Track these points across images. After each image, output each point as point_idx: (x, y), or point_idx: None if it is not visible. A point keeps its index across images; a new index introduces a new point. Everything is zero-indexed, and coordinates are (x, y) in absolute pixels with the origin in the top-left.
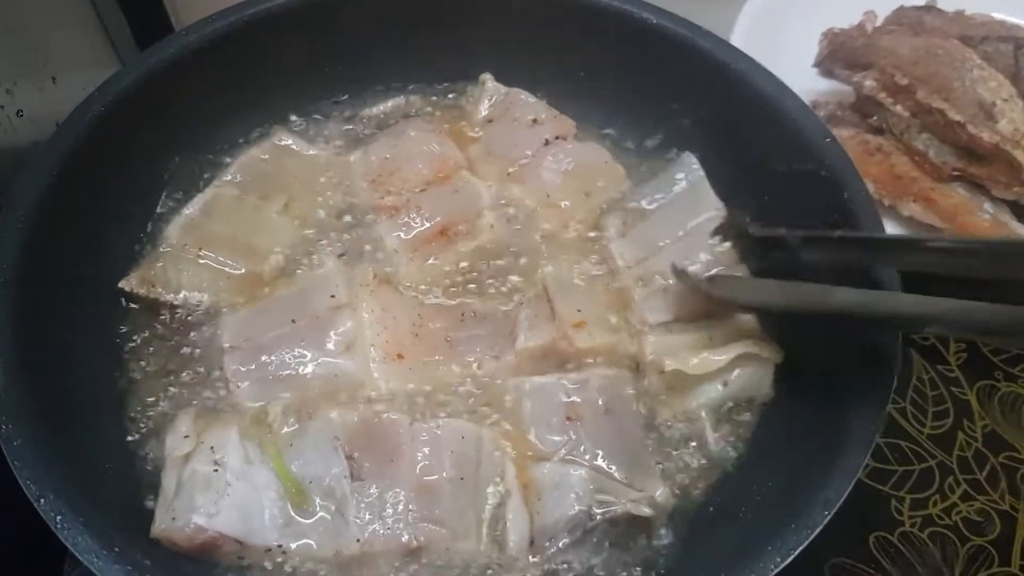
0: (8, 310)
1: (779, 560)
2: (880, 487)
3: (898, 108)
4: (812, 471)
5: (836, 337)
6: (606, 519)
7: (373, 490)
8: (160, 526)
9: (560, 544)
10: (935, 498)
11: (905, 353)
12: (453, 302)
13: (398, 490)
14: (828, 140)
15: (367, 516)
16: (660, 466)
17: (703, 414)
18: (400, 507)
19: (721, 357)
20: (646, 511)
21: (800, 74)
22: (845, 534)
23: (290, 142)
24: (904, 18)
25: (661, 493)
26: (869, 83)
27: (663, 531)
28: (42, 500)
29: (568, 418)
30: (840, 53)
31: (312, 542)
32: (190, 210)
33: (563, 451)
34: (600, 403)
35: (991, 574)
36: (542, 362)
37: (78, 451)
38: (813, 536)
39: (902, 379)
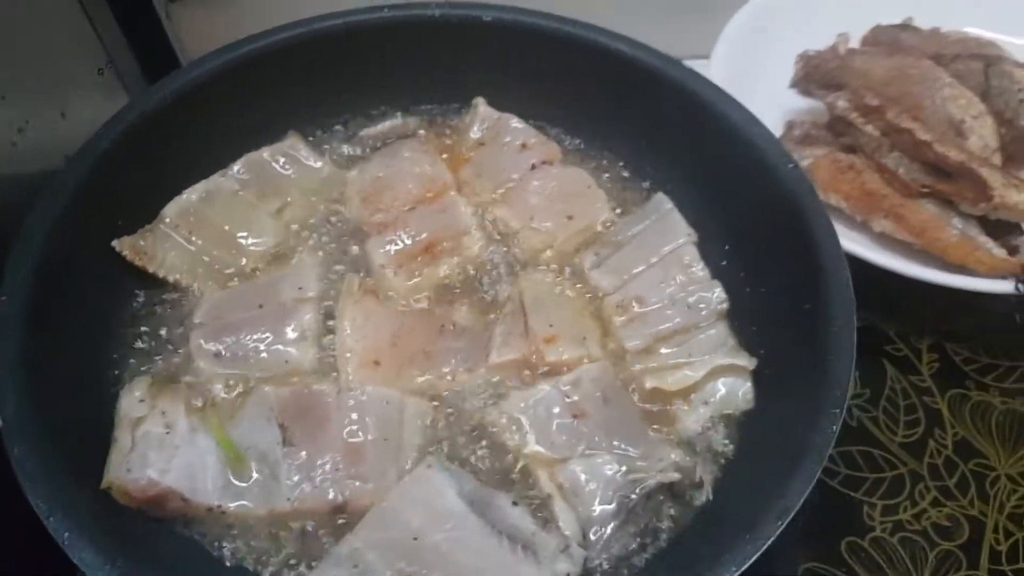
0: (18, 339)
1: (734, 569)
2: (852, 494)
3: (869, 128)
4: (771, 482)
5: (800, 350)
6: (643, 495)
7: (303, 454)
8: (115, 476)
9: (610, 529)
10: (906, 504)
11: (878, 364)
12: (433, 315)
13: (326, 453)
14: (791, 167)
15: (297, 477)
16: (665, 431)
17: (694, 432)
18: (328, 468)
19: (698, 372)
20: (675, 476)
21: (778, 94)
22: (818, 539)
23: (300, 150)
24: (881, 36)
25: (677, 454)
26: (841, 103)
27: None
28: (51, 519)
29: (574, 416)
30: (815, 75)
31: (248, 502)
32: (190, 195)
33: (581, 447)
34: (598, 395)
35: None
36: (513, 375)
37: (84, 470)
38: (767, 545)
39: (875, 389)
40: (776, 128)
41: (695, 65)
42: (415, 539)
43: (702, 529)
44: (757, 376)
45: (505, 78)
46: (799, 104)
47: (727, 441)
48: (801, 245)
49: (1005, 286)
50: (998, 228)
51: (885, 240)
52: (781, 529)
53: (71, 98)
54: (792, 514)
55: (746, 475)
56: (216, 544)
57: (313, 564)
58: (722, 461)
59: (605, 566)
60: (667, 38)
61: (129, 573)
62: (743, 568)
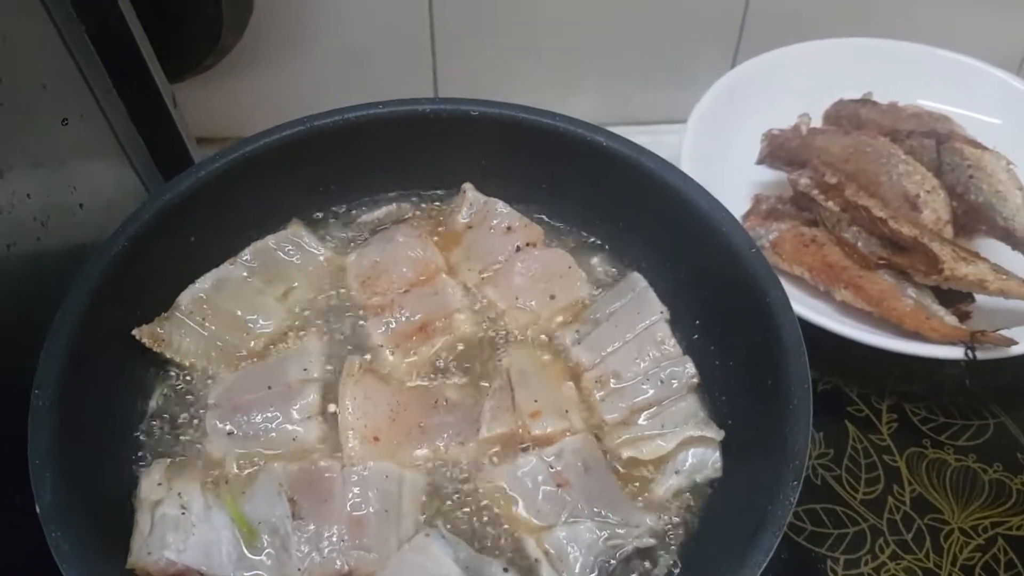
0: (51, 429)
1: None
2: (817, 549)
3: (830, 204)
4: (734, 549)
5: (763, 422)
6: (621, 560)
7: (311, 527)
8: (137, 559)
9: None
10: (866, 558)
11: (841, 425)
12: (428, 391)
13: (332, 525)
14: (753, 251)
15: (306, 548)
16: (640, 499)
17: (666, 499)
18: (334, 539)
19: (670, 443)
20: (650, 541)
21: (749, 165)
22: None
23: (303, 237)
24: (843, 110)
25: (652, 520)
26: (804, 181)
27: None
28: None
29: (558, 485)
30: (779, 152)
31: (262, 573)
32: (203, 283)
33: (565, 514)
34: (579, 464)
35: None
36: (502, 447)
37: (114, 547)
38: None
39: (838, 449)
40: (746, 199)
41: (671, 129)
42: None
43: None
44: (725, 445)
45: (492, 165)
46: (769, 174)
47: (696, 507)
48: (763, 326)
49: (956, 352)
50: (951, 296)
51: (846, 309)
52: None
53: (88, 187)
54: None
55: (712, 540)
56: None
57: None
58: (691, 527)
59: None
60: (646, 103)
61: None
62: None
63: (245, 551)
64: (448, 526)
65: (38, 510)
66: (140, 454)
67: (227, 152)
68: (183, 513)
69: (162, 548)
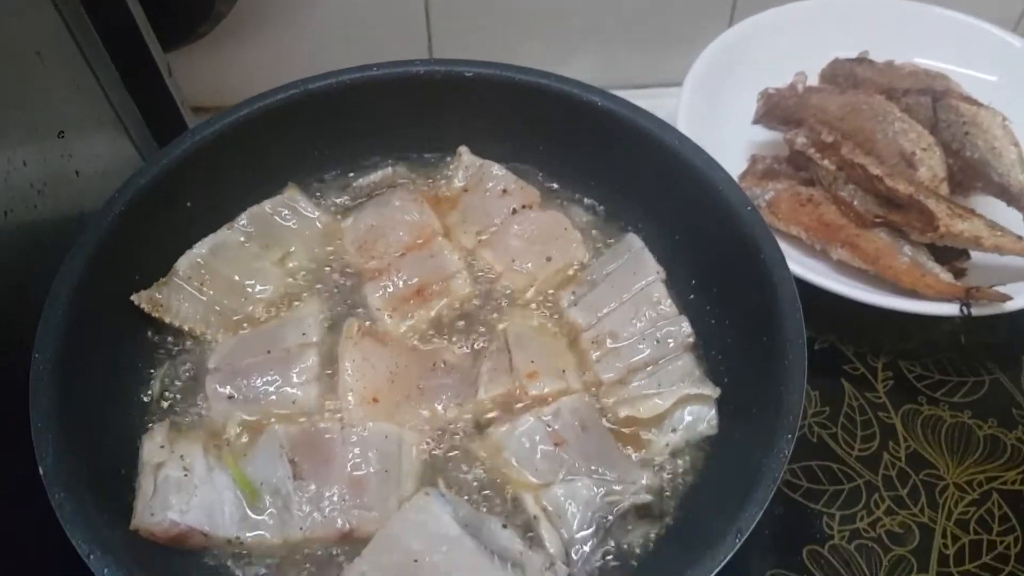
0: (51, 393)
1: None
2: (813, 505)
3: (826, 162)
4: (730, 503)
5: (759, 379)
6: (618, 515)
7: (312, 487)
8: (140, 520)
9: (589, 547)
10: (862, 513)
11: (837, 383)
12: (426, 354)
13: (333, 485)
14: (749, 209)
15: (307, 508)
16: (637, 456)
17: (663, 456)
18: (335, 498)
19: (667, 401)
20: (647, 497)
21: (746, 125)
22: (781, 548)
23: (299, 201)
24: (839, 69)
25: (648, 477)
26: (800, 140)
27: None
28: (91, 556)
29: (555, 444)
30: (775, 112)
31: (264, 533)
32: (200, 248)
33: (563, 472)
34: (576, 424)
35: None
36: (500, 407)
37: (117, 510)
38: (726, 560)
39: (834, 407)
40: (743, 160)
41: (667, 93)
42: (415, 561)
43: (669, 546)
44: (721, 403)
45: (487, 127)
46: (766, 135)
47: (693, 463)
48: (758, 285)
49: (951, 309)
50: (946, 254)
51: (842, 267)
52: (739, 545)
53: (84, 155)
54: (748, 532)
55: (709, 495)
56: (239, 571)
57: None
58: (688, 482)
59: (588, 573)
60: (643, 66)
61: None
62: None
63: (247, 511)
64: (447, 485)
65: (41, 472)
66: (142, 419)
67: (221, 117)
68: (185, 475)
69: (165, 509)
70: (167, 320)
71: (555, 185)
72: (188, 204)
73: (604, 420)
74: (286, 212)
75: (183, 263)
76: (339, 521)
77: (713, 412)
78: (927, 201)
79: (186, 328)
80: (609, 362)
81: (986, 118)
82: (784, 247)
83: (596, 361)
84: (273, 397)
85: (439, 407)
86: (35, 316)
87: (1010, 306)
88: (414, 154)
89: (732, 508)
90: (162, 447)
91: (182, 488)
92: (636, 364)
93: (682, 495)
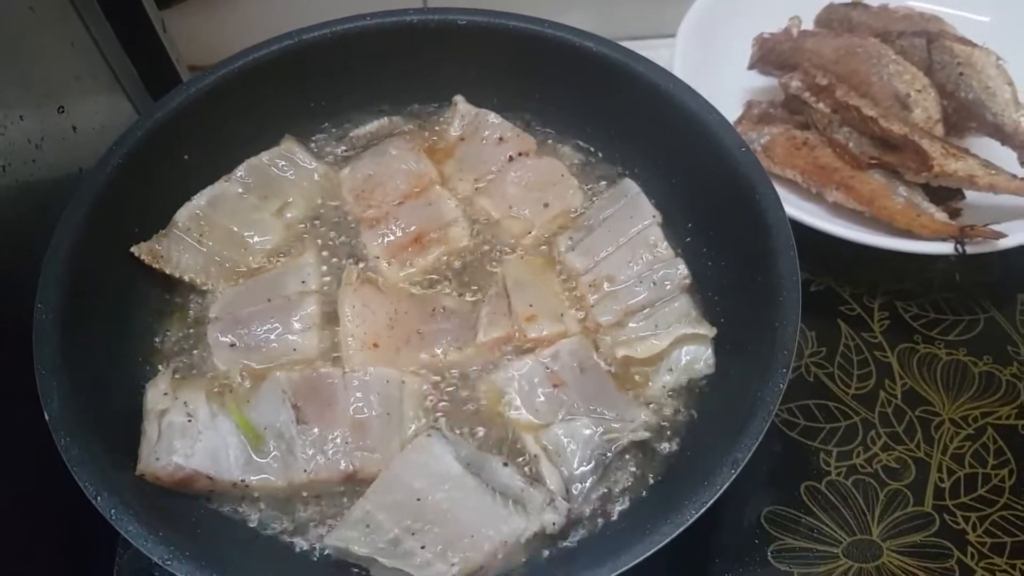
0: (55, 342)
1: (693, 512)
2: (810, 443)
3: (820, 106)
4: (727, 436)
5: (754, 318)
6: (617, 452)
7: (315, 430)
8: (146, 465)
9: (589, 483)
10: (858, 450)
11: (834, 324)
12: (425, 300)
13: (335, 428)
14: (743, 150)
15: (311, 451)
16: (635, 395)
17: (661, 395)
18: (338, 441)
19: (664, 341)
20: (645, 434)
21: (741, 73)
22: (780, 484)
23: (296, 153)
24: (833, 14)
25: (647, 415)
26: (795, 83)
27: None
28: (99, 498)
29: (554, 385)
30: (770, 56)
31: (269, 476)
32: (199, 200)
33: (562, 413)
34: (575, 365)
35: (906, 513)
36: (499, 351)
37: (124, 455)
38: (723, 490)
39: (830, 347)
40: (739, 106)
41: (662, 44)
42: (418, 500)
43: (668, 479)
44: (717, 342)
45: (482, 75)
46: (761, 81)
47: (691, 401)
48: (753, 224)
49: (946, 247)
50: (940, 194)
51: (838, 209)
52: (735, 476)
53: (81, 112)
54: (743, 463)
55: (707, 431)
56: (245, 512)
57: (330, 523)
58: (686, 419)
59: (587, 512)
60: (639, 16)
61: (170, 541)
62: (702, 511)
63: (252, 455)
64: (449, 427)
65: (47, 418)
66: (146, 368)
67: (216, 68)
68: (189, 421)
69: (170, 454)
70: (167, 271)
71: (552, 132)
72: (185, 157)
73: (602, 362)
74: (283, 163)
75: (182, 215)
76: (343, 463)
77: (710, 351)
78: (921, 141)
79: (187, 279)
80: (607, 305)
81: (980, 58)
82: (780, 190)
83: (593, 304)
84: (274, 345)
85: (439, 351)
86: (36, 270)
87: (1004, 244)
88: (410, 104)
89: (729, 441)
90: (165, 394)
91: (186, 433)
92: (633, 306)
93: (681, 432)
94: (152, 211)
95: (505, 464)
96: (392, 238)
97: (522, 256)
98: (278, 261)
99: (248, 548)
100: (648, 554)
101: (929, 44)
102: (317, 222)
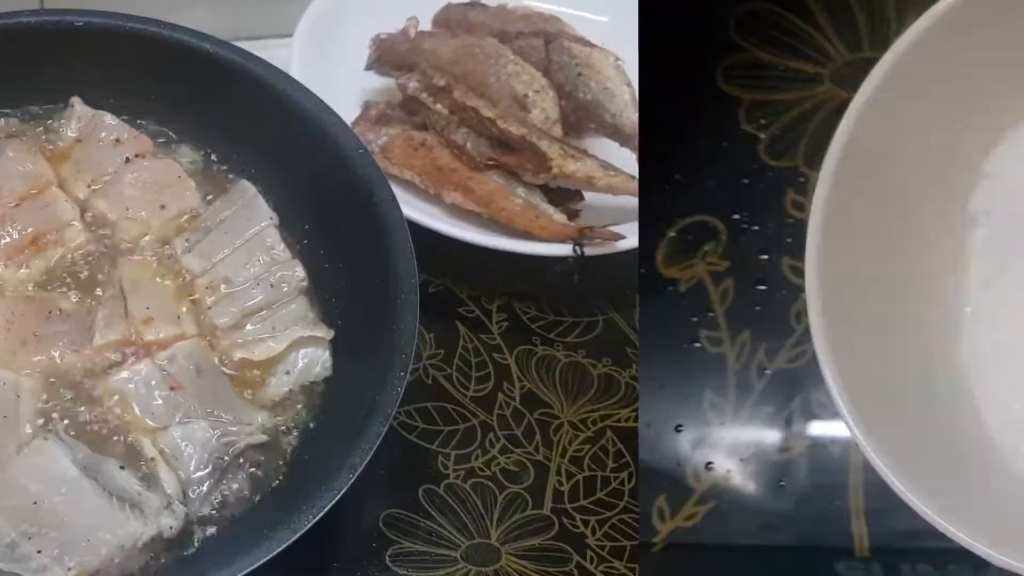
0: None
1: (310, 517)
2: (428, 446)
3: (438, 106)
4: (345, 440)
5: (373, 320)
6: (235, 455)
7: None
8: None
9: (207, 487)
10: (477, 452)
11: (452, 326)
12: (42, 301)
13: None
14: (360, 151)
15: None
16: (253, 398)
17: (280, 398)
18: None
19: (280, 344)
20: (262, 437)
21: (360, 75)
22: (396, 488)
23: None
24: (452, 14)
25: (264, 417)
26: (412, 84)
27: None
28: None
29: (171, 388)
30: (387, 57)
31: None
32: None
33: (179, 415)
34: (192, 368)
35: (524, 516)
36: (117, 353)
37: None
38: (339, 495)
39: (448, 349)
40: (356, 107)
41: (282, 44)
42: (35, 503)
43: (288, 483)
44: (336, 345)
45: (101, 77)
46: (379, 82)
47: (310, 405)
48: (371, 226)
49: (565, 249)
50: (560, 196)
51: (457, 211)
52: (352, 481)
53: None
54: (361, 468)
55: (326, 435)
56: None
57: None
58: (305, 423)
59: (206, 516)
60: (258, 16)
61: None
62: (319, 516)
63: None
64: (67, 430)
65: None
66: None
67: None
68: None
69: None
70: None
71: (170, 133)
72: None
73: (221, 364)
74: None
75: None
76: None
77: (327, 354)
78: (540, 143)
79: None
80: (224, 307)
81: (599, 59)
82: (398, 192)
83: (211, 307)
84: None
85: (55, 354)
86: None
87: (623, 245)
88: (31, 106)
89: (347, 445)
90: None
91: None
92: (250, 308)
93: (300, 436)
94: None
95: (122, 467)
96: (9, 240)
97: (139, 258)
98: None
99: None
100: (264, 560)
101: (547, 44)
102: None
